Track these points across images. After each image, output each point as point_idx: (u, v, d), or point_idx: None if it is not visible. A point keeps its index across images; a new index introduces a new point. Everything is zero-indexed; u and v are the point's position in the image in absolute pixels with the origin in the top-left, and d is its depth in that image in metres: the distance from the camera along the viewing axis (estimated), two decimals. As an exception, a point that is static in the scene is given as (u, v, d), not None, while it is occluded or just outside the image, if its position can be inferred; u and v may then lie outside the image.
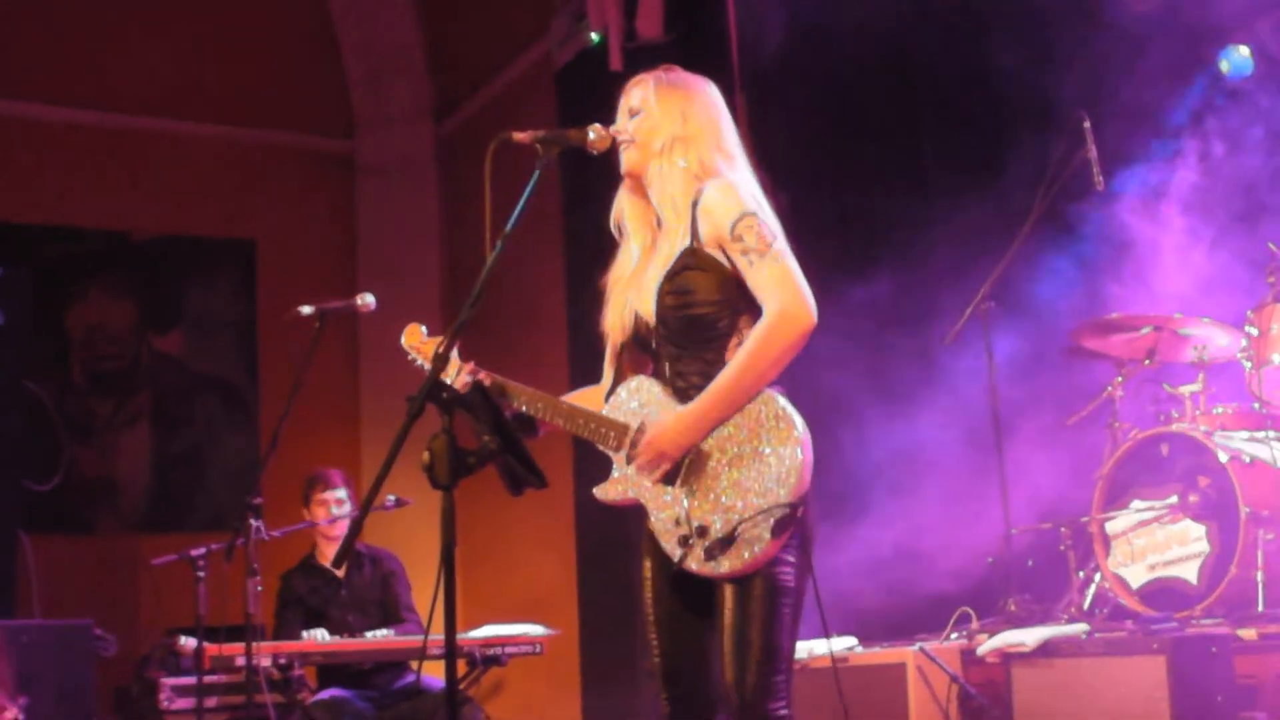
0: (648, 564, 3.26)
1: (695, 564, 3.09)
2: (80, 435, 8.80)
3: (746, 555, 3.03)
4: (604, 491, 3.28)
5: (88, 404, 8.93)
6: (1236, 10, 5.77)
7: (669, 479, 3.15)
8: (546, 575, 8.13)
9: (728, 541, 3.04)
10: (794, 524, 3.03)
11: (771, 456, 3.05)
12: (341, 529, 6.38)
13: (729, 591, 3.07)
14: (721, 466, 3.09)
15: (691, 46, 7.14)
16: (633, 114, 3.34)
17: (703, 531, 3.08)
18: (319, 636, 5.82)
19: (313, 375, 7.33)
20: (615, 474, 3.25)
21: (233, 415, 9.24)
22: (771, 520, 3.01)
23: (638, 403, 3.24)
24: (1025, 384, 5.92)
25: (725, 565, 3.05)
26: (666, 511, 3.15)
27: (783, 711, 3.09)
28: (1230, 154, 5.71)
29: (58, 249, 8.88)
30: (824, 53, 6.62)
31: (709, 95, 3.35)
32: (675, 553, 3.12)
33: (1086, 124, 5.69)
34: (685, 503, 3.12)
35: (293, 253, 9.54)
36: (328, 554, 6.38)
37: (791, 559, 3.08)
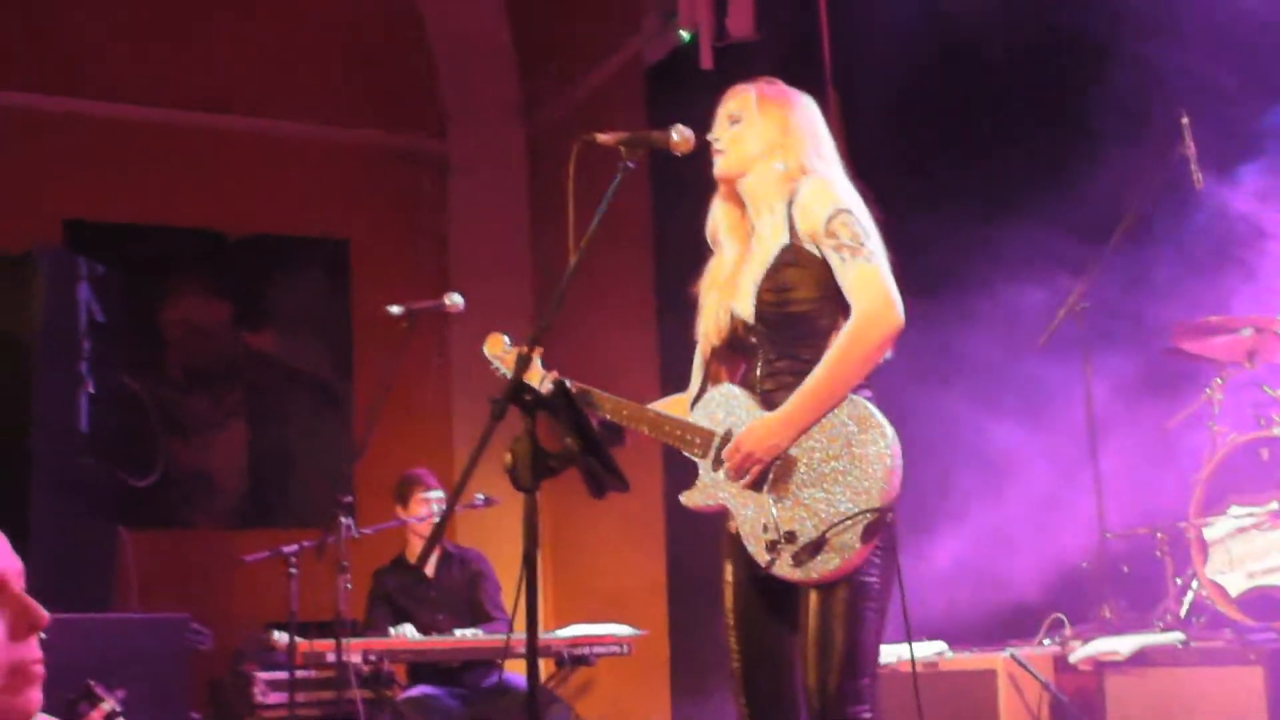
0: (729, 567, 3.25)
1: (784, 570, 3.07)
2: (177, 432, 8.94)
3: (837, 560, 3.01)
4: (690, 498, 3.28)
5: (184, 401, 9.07)
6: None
7: (756, 485, 3.13)
8: (636, 576, 8.13)
9: (817, 547, 3.03)
10: (883, 528, 3.00)
11: (860, 461, 3.03)
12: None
13: (813, 595, 3.06)
14: (809, 471, 3.08)
15: (782, 44, 7.11)
16: (732, 121, 3.34)
17: (791, 537, 3.06)
18: (406, 633, 5.87)
19: (404, 374, 7.41)
20: (701, 480, 3.24)
21: (326, 413, 9.34)
22: (861, 525, 2.99)
23: (724, 410, 3.23)
24: (1122, 386, 5.81)
25: (815, 571, 3.03)
26: (754, 517, 3.14)
27: (866, 716, 3.07)
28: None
29: (154, 248, 9.02)
30: (914, 51, 6.55)
31: (809, 108, 3.38)
32: (763, 558, 3.11)
33: (1185, 121, 5.59)
34: (773, 508, 3.11)
35: (384, 251, 9.62)
36: (419, 553, 6.44)
37: (878, 562, 3.06)
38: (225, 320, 9.28)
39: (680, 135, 3.24)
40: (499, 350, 3.55)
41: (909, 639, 3.29)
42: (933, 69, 6.72)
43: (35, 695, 1.86)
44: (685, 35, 7.77)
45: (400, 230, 9.78)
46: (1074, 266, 5.85)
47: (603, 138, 3.22)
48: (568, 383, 3.31)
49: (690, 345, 3.41)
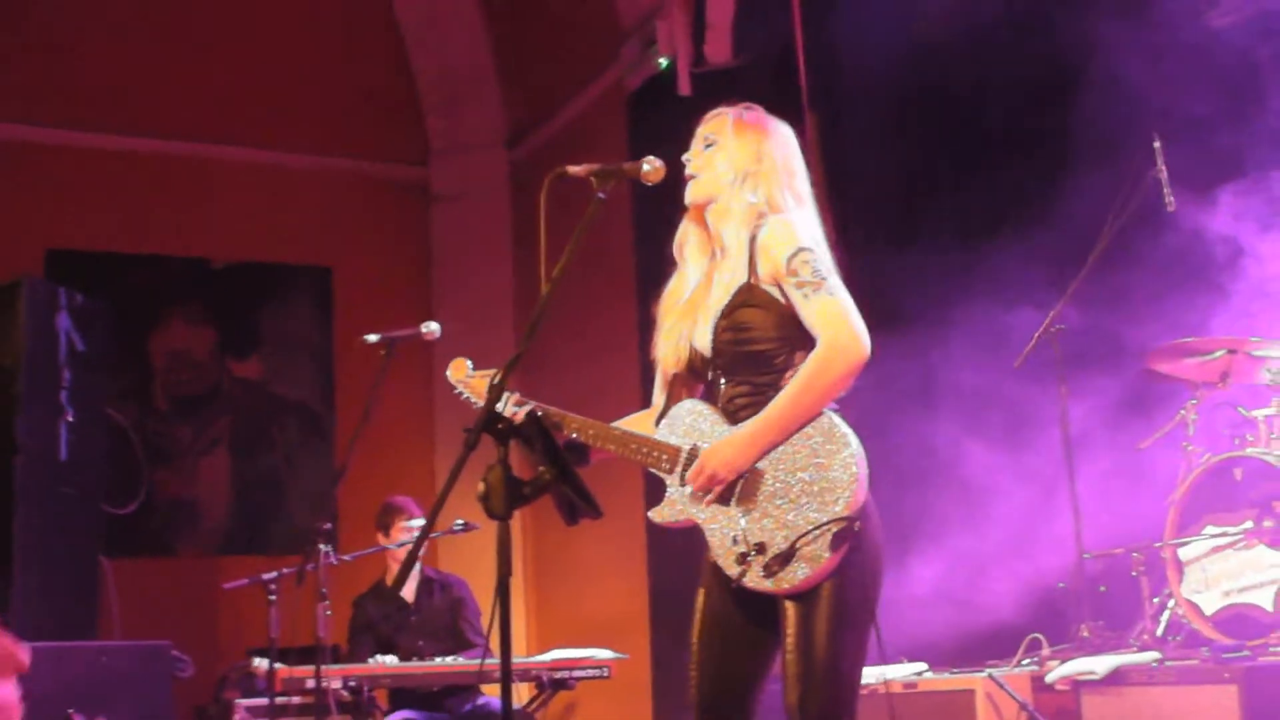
0: (701, 595, 3.28)
1: (755, 581, 3.10)
2: (162, 460, 8.97)
3: (806, 570, 3.03)
4: (659, 514, 3.30)
5: (170, 429, 9.10)
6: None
7: (724, 499, 3.16)
8: (619, 601, 8.15)
9: (787, 558, 3.05)
10: (851, 537, 3.03)
11: (827, 471, 3.06)
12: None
13: (792, 611, 3.07)
14: (776, 484, 3.11)
15: (760, 70, 7.17)
16: (707, 144, 3.36)
17: (761, 549, 3.09)
18: (386, 662, 5.89)
19: (387, 401, 7.42)
20: (669, 496, 3.26)
21: (311, 440, 9.37)
22: (829, 535, 3.02)
23: (689, 425, 3.26)
24: (1097, 407, 5.85)
25: (786, 581, 3.05)
26: (723, 531, 3.16)
27: (847, 733, 3.07)
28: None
29: (140, 277, 9.06)
30: (891, 76, 6.61)
31: (785, 137, 3.38)
32: (733, 570, 3.13)
33: (1157, 144, 5.65)
34: (742, 521, 3.14)
35: (368, 279, 9.67)
36: (395, 576, 6.47)
37: (856, 577, 3.08)
38: (210, 348, 9.32)
39: (651, 166, 3.26)
40: (462, 375, 3.54)
41: (882, 657, 3.32)
42: (910, 96, 6.78)
43: None
44: (664, 62, 7.83)
45: (384, 258, 9.83)
46: (1049, 290, 5.90)
47: (574, 170, 3.25)
48: (534, 405, 3.33)
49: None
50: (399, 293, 9.66)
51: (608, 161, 3.25)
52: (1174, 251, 5.80)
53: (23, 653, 1.87)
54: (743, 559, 3.11)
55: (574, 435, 3.32)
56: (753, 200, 3.26)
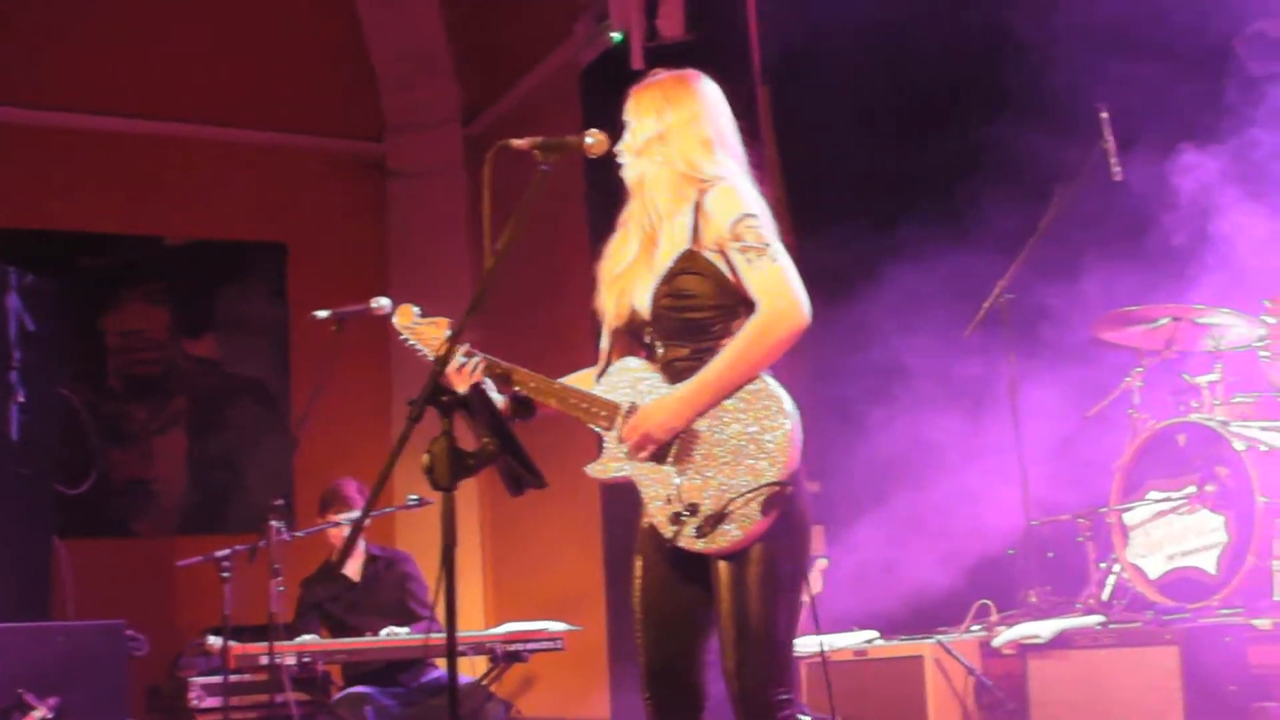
0: (638, 562, 3.30)
1: (687, 541, 3.13)
2: (118, 440, 8.93)
3: (738, 532, 3.06)
4: (595, 469, 3.32)
5: (125, 409, 9.06)
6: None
7: (659, 458, 3.18)
8: (575, 573, 8.18)
9: (718, 519, 3.08)
10: (783, 501, 3.06)
11: (761, 435, 3.09)
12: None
13: (724, 573, 3.10)
14: (712, 445, 3.13)
15: (712, 44, 7.17)
16: (637, 118, 3.37)
17: (693, 509, 3.12)
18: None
19: (344, 378, 7.42)
20: (606, 452, 3.28)
21: (267, 418, 9.35)
22: (762, 498, 3.05)
23: (628, 382, 3.28)
24: (1045, 375, 5.91)
25: (716, 542, 3.08)
26: (658, 489, 3.19)
27: (783, 697, 3.10)
28: (1249, 143, 5.67)
29: (93, 256, 9.00)
30: (843, 46, 6.63)
31: (692, 87, 3.35)
32: (668, 531, 3.16)
33: (1104, 115, 5.70)
34: (676, 480, 3.16)
35: (324, 256, 9.63)
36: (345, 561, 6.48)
37: (787, 543, 3.11)
38: (165, 327, 9.27)
39: (594, 139, 3.25)
40: (409, 320, 3.52)
41: (817, 626, 3.36)
42: (863, 68, 6.80)
43: None
44: (617, 37, 7.83)
45: (339, 235, 9.80)
46: (999, 259, 5.94)
47: (517, 143, 3.25)
48: (482, 359, 3.32)
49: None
50: (355, 269, 9.63)
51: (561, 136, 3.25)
52: (1120, 221, 5.86)
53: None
54: (676, 519, 3.14)
55: (517, 388, 3.33)
56: (661, 161, 3.27)
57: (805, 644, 4.93)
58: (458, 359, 3.30)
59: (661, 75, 3.40)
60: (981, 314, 5.88)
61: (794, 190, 7.10)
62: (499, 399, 3.32)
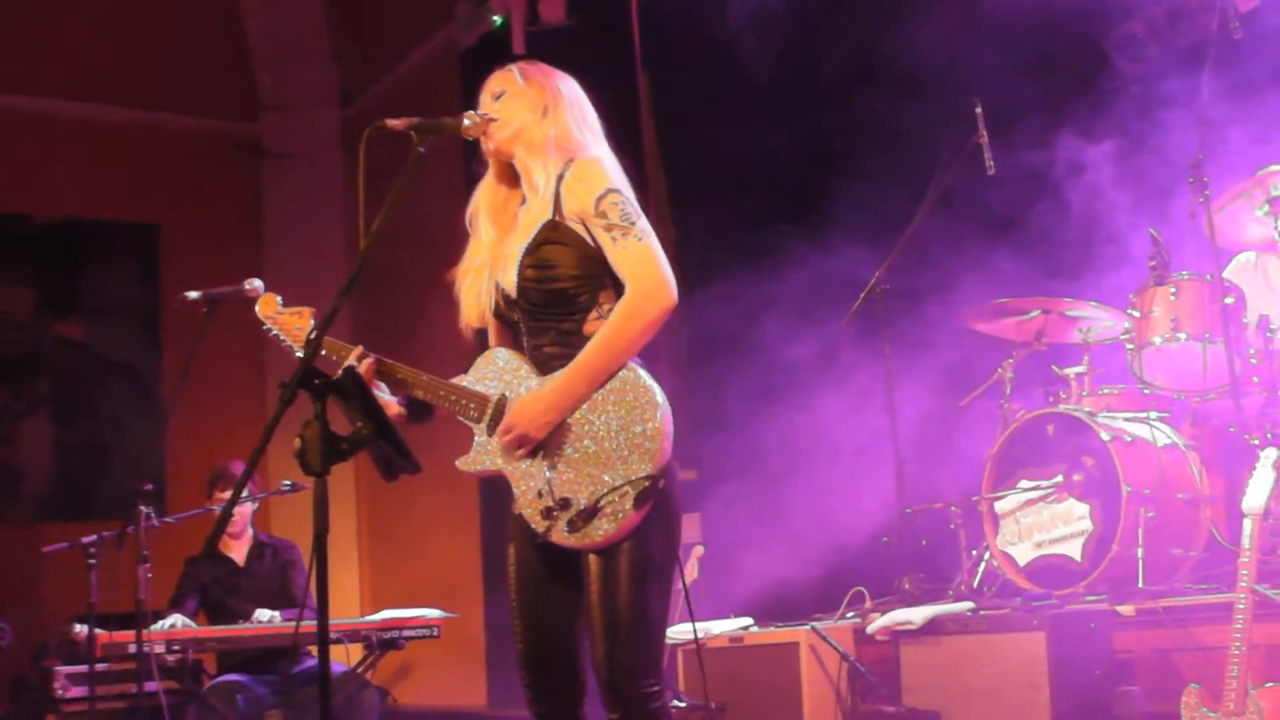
0: (511, 550, 3.28)
1: (560, 536, 3.11)
2: (-22, 424, 8.70)
3: (611, 526, 3.05)
4: (465, 463, 3.29)
5: (-13, 391, 8.83)
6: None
7: (530, 453, 3.16)
8: (453, 560, 8.14)
9: (591, 513, 3.07)
10: (656, 495, 3.06)
11: (633, 428, 3.07)
12: (243, 519, 6.42)
13: (595, 565, 3.09)
14: (583, 438, 3.12)
15: (593, 29, 7.16)
16: (495, 97, 3.35)
17: (565, 504, 3.10)
18: (178, 623, 5.75)
19: (217, 361, 7.27)
20: (476, 446, 3.25)
21: (136, 402, 9.15)
22: (634, 492, 3.04)
23: (495, 373, 3.26)
24: (919, 365, 5.99)
25: (589, 537, 3.07)
26: (529, 483, 3.17)
27: (653, 688, 3.09)
28: (1119, 139, 5.79)
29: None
30: (723, 33, 6.65)
31: (571, 82, 3.40)
32: (540, 525, 3.14)
33: (979, 109, 5.78)
34: (547, 473, 3.14)
35: (197, 237, 9.47)
36: (229, 544, 6.42)
37: (660, 535, 3.11)
38: (30, 307, 9.04)
39: (471, 120, 3.26)
40: (271, 311, 3.48)
41: (691, 615, 3.36)
42: (743, 56, 6.82)
43: None
44: (498, 20, 7.78)
45: (214, 216, 9.64)
46: (876, 249, 6.01)
47: (393, 123, 3.22)
48: (372, 358, 3.29)
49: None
50: (229, 251, 9.47)
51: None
52: (994, 213, 5.95)
53: None
54: (548, 513, 3.12)
55: (398, 378, 3.29)
56: (553, 134, 3.26)
57: (681, 631, 4.95)
58: (351, 360, 3.26)
59: (542, 64, 3.42)
60: (858, 303, 5.94)
61: (673, 176, 7.13)
62: (390, 399, 3.29)
